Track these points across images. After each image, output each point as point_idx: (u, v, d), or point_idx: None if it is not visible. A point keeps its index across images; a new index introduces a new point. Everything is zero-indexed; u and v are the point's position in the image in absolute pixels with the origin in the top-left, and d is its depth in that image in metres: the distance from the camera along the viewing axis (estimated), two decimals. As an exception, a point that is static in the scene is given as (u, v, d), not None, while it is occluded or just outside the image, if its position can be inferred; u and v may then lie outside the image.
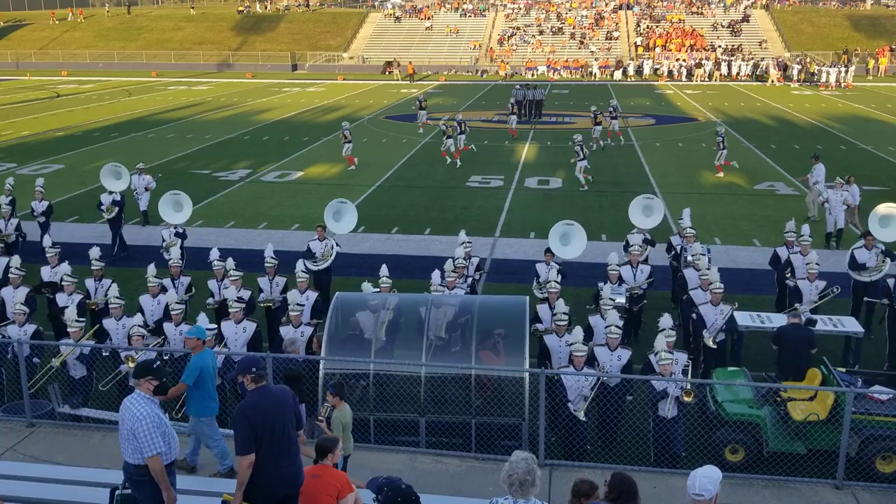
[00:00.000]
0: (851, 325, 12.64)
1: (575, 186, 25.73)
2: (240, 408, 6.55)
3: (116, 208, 18.63)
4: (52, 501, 8.06)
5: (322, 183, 26.56)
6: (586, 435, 9.97)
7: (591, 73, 62.79)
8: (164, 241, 15.97)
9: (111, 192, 18.98)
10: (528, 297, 10.85)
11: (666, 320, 10.41)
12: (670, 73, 61.64)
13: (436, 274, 12.44)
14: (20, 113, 43.04)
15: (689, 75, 61.05)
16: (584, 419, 9.65)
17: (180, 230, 16.27)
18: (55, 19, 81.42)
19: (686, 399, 9.40)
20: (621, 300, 12.55)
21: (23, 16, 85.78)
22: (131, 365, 10.31)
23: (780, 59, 61.41)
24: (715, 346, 11.69)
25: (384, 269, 12.47)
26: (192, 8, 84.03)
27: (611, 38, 70.11)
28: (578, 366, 9.79)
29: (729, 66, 61.24)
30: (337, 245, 14.90)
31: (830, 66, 56.86)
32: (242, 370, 6.75)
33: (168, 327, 11.39)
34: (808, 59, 60.58)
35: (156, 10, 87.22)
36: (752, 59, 62.69)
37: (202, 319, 10.84)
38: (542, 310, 11.63)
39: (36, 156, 30.59)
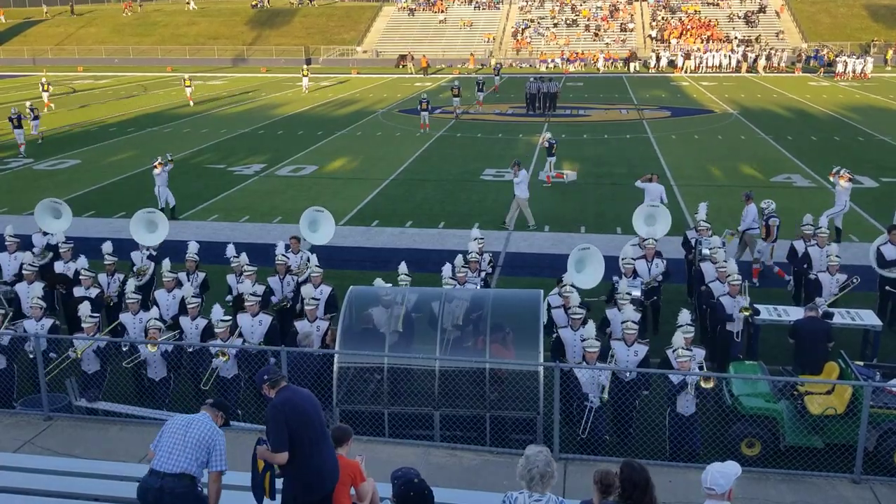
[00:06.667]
0: (869, 318, 12.52)
1: (589, 179, 25.64)
2: (271, 405, 6.44)
3: (50, 254, 14.78)
4: (69, 494, 8.10)
5: (336, 177, 26.59)
6: (605, 427, 9.94)
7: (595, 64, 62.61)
8: (134, 264, 14.21)
9: (45, 234, 15.40)
10: (542, 291, 10.81)
11: (684, 316, 10.35)
12: (682, 64, 61.28)
13: (447, 267, 12.40)
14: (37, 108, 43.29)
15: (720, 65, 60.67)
16: (606, 398, 9.64)
17: (153, 253, 14.42)
18: (72, 13, 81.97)
19: (705, 385, 9.31)
20: (637, 293, 12.48)
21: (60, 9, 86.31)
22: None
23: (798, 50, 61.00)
24: (749, 314, 11.64)
25: (403, 267, 12.41)
26: (139, 4, 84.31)
27: (625, 30, 69.72)
28: (591, 361, 9.77)
29: (745, 58, 60.77)
30: (311, 255, 13.26)
31: (848, 56, 56.28)
32: (259, 383, 6.61)
33: (184, 321, 11.45)
34: (826, 50, 60.03)
35: (166, 5, 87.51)
36: (769, 49, 62.21)
37: (216, 311, 10.91)
38: (557, 314, 11.53)
39: (52, 151, 30.80)
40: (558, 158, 25.93)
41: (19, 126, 30.29)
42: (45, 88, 42.96)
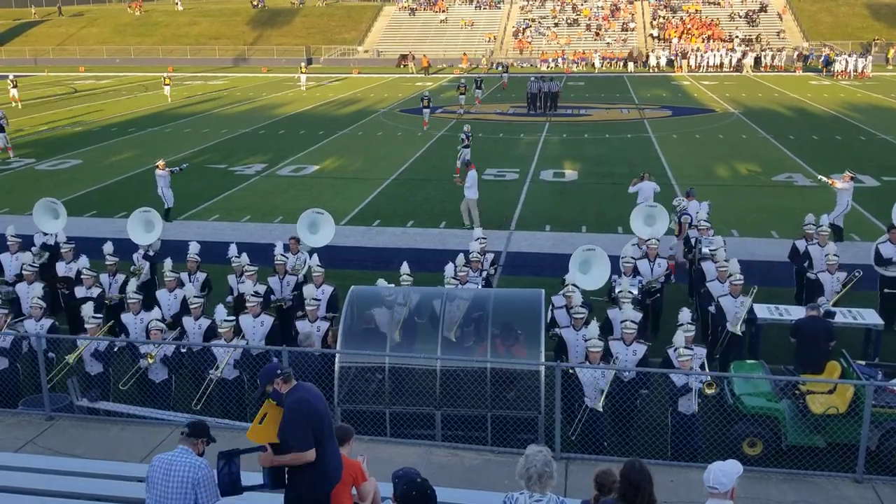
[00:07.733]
0: (871, 317, 12.50)
1: (590, 179, 25.62)
2: (290, 405, 6.39)
3: (46, 253, 14.89)
4: (71, 494, 8.11)
5: (338, 177, 26.59)
6: (603, 428, 9.93)
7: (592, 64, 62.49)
8: (133, 265, 14.19)
9: (45, 234, 15.50)
10: (543, 290, 10.79)
11: (685, 315, 10.33)
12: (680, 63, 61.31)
13: (449, 267, 12.40)
14: (38, 109, 43.38)
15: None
16: (601, 409, 9.63)
17: (150, 252, 14.58)
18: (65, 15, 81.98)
19: (708, 391, 9.33)
20: (634, 291, 12.45)
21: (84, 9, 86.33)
22: (150, 361, 10.36)
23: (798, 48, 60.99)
24: (741, 334, 11.58)
25: (405, 267, 12.41)
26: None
27: (626, 29, 69.69)
28: (594, 361, 9.76)
29: (745, 56, 60.76)
30: (309, 259, 13.31)
31: (848, 55, 56.24)
32: (268, 379, 6.49)
33: (187, 321, 11.44)
34: (827, 49, 59.99)
35: (169, 5, 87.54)
36: (770, 49, 62.18)
37: (220, 311, 10.90)
38: (560, 314, 11.52)
39: (54, 151, 30.81)
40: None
41: (1, 130, 30.14)
42: (14, 84, 43.02)
